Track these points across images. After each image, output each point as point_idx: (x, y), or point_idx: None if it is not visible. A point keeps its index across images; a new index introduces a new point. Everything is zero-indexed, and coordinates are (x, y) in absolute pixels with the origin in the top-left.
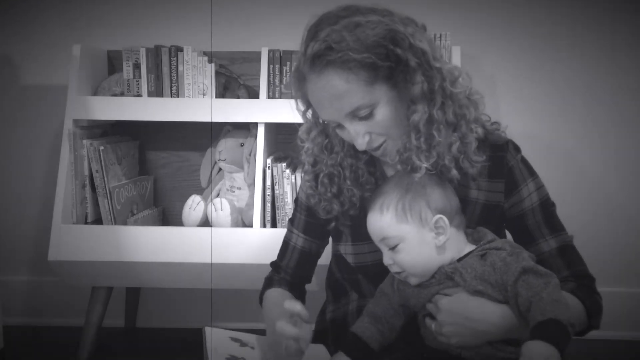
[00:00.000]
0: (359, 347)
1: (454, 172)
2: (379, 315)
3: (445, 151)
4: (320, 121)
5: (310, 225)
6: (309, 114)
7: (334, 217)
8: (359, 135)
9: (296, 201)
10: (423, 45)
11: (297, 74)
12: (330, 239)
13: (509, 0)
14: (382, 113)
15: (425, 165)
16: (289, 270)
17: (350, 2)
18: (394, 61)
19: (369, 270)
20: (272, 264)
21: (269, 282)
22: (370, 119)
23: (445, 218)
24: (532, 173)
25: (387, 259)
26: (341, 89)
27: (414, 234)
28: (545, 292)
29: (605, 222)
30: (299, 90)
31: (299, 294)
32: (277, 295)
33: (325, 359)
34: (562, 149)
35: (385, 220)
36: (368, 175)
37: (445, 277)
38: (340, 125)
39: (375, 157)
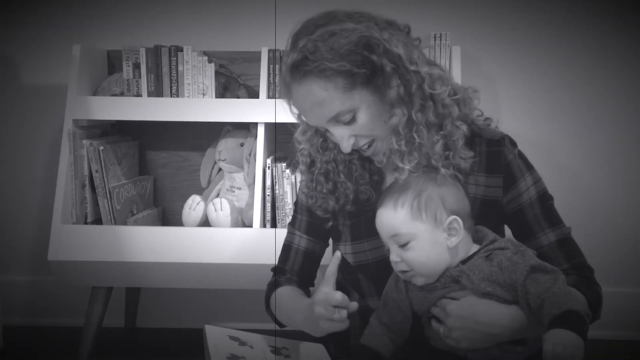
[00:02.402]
0: (372, 358)
1: (443, 171)
2: (389, 324)
3: (430, 152)
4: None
5: (313, 225)
6: (303, 116)
7: (332, 216)
8: (344, 139)
9: (296, 204)
10: (398, 50)
11: (282, 83)
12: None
13: (509, 0)
14: (364, 117)
15: (407, 167)
16: (294, 273)
17: (332, 8)
18: (370, 67)
19: (368, 268)
20: (275, 269)
21: (270, 286)
22: (353, 123)
23: (459, 219)
24: (529, 167)
25: (395, 256)
26: (320, 97)
27: (427, 233)
28: (556, 287)
29: (605, 223)
30: (287, 97)
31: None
32: (293, 291)
33: (325, 359)
34: (562, 149)
35: (400, 217)
36: (362, 169)
37: (451, 281)
38: (327, 130)
39: None
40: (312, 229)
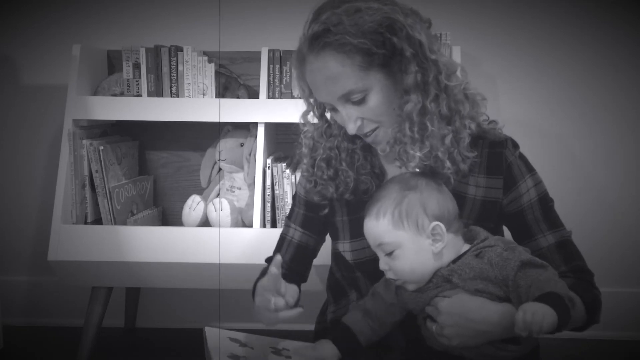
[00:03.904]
0: (347, 338)
1: (448, 164)
2: (370, 311)
3: (439, 143)
4: (321, 106)
5: (309, 219)
6: (312, 99)
7: (329, 204)
8: (351, 119)
9: (294, 197)
10: (420, 37)
11: (297, 56)
12: (330, 238)
13: (509, 0)
14: (375, 100)
15: (418, 154)
16: (284, 264)
17: None
18: (390, 49)
19: (367, 266)
20: (268, 259)
21: (262, 273)
22: (362, 104)
23: (442, 225)
24: (530, 169)
25: (384, 264)
26: (336, 71)
27: (410, 241)
28: (543, 276)
29: (605, 222)
30: (299, 72)
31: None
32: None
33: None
34: (562, 149)
35: (382, 226)
36: (364, 160)
37: (442, 280)
38: (334, 109)
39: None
40: (307, 222)
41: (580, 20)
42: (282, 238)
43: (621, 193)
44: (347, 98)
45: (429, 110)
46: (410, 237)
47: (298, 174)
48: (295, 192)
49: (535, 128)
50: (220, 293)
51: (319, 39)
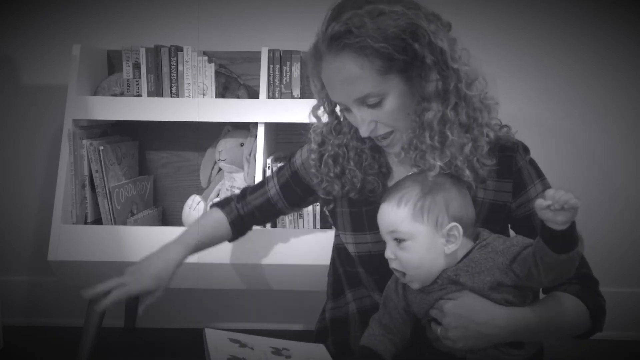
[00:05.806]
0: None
1: (467, 172)
2: (390, 326)
3: (458, 152)
4: (332, 102)
5: (288, 186)
6: (323, 93)
7: (332, 199)
8: (365, 122)
9: (289, 159)
10: (443, 44)
11: (314, 52)
12: (329, 238)
13: (510, 1)
14: (391, 104)
15: (439, 163)
16: (247, 207)
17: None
18: (411, 55)
19: (370, 260)
20: (243, 190)
21: (225, 202)
22: (378, 108)
23: (460, 227)
24: (540, 174)
25: (390, 253)
26: (354, 74)
27: (425, 236)
28: None
29: (605, 222)
30: (314, 68)
31: (241, 232)
32: (215, 224)
33: (325, 358)
34: (562, 149)
35: (401, 214)
36: (372, 160)
37: (448, 282)
38: (348, 109)
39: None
40: (286, 188)
41: (580, 20)
42: (263, 184)
43: (621, 193)
44: (362, 101)
45: (449, 118)
46: (426, 232)
47: None
48: (292, 156)
49: (535, 128)
50: (220, 294)
51: (339, 40)
